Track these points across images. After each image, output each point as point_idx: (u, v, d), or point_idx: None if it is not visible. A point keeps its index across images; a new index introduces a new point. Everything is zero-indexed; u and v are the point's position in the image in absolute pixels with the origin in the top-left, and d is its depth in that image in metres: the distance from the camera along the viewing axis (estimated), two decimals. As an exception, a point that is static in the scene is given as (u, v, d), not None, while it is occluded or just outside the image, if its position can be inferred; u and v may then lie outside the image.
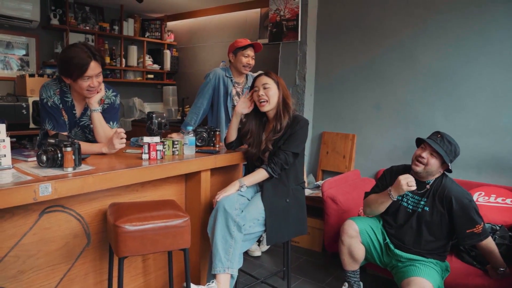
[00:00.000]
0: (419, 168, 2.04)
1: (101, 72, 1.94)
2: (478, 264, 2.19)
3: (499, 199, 2.48)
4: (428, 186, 2.07)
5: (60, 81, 2.00)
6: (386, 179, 2.24)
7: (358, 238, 2.15)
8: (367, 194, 2.29)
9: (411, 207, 2.11)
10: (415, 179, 2.11)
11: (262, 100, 2.10)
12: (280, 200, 2.08)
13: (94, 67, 1.88)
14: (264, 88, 2.10)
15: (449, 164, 2.00)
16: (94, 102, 1.97)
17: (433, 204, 2.03)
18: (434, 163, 2.01)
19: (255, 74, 2.35)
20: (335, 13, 3.50)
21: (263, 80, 2.13)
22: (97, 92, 1.98)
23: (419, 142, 2.12)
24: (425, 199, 2.06)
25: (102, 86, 2.01)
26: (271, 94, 2.10)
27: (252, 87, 2.20)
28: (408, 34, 3.10)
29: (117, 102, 2.15)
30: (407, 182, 1.97)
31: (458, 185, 2.06)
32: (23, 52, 4.03)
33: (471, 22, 2.82)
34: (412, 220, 2.08)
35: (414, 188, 1.98)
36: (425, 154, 2.03)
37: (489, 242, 2.01)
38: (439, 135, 2.05)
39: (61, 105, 1.98)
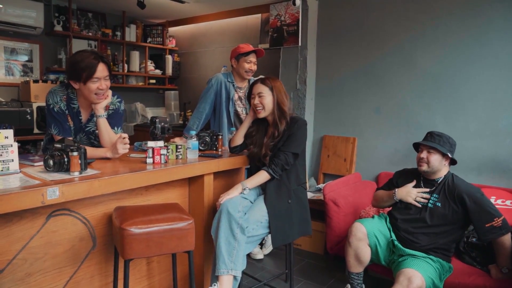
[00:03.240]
0: (424, 167, 2.16)
1: (108, 76, 1.99)
2: (479, 265, 2.21)
3: (499, 201, 2.50)
4: (436, 184, 2.16)
5: (67, 88, 2.04)
6: (394, 179, 2.36)
7: (366, 240, 2.18)
8: (377, 189, 2.45)
9: (421, 203, 2.17)
10: (425, 178, 2.20)
11: (258, 108, 2.18)
12: (282, 202, 2.11)
13: (102, 69, 1.94)
14: (259, 97, 2.18)
15: (448, 154, 2.11)
16: (100, 108, 2.01)
17: (444, 200, 2.10)
18: (435, 159, 2.13)
19: (256, 78, 2.39)
20: (335, 18, 3.54)
21: (258, 88, 2.20)
22: (104, 98, 2.02)
23: (416, 146, 2.24)
24: (436, 195, 2.13)
25: (109, 92, 2.06)
26: (265, 102, 2.17)
27: (249, 93, 2.26)
28: (407, 38, 3.14)
29: (121, 108, 2.19)
30: (416, 196, 2.16)
31: (467, 182, 2.14)
32: (26, 58, 4.08)
33: (469, 26, 2.86)
34: (424, 215, 2.13)
35: (418, 205, 2.16)
36: (423, 155, 2.15)
37: (508, 238, 2.02)
38: (428, 134, 2.20)
39: (67, 111, 2.02)
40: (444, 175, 2.16)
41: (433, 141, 2.13)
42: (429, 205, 2.13)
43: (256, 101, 2.18)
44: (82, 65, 1.89)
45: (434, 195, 2.14)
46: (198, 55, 5.07)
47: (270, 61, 3.91)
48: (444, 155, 2.12)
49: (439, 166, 2.14)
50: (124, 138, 1.89)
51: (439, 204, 2.10)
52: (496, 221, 1.98)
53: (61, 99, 2.00)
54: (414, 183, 2.21)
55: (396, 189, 2.24)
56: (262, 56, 2.88)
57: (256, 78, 2.94)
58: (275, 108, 2.17)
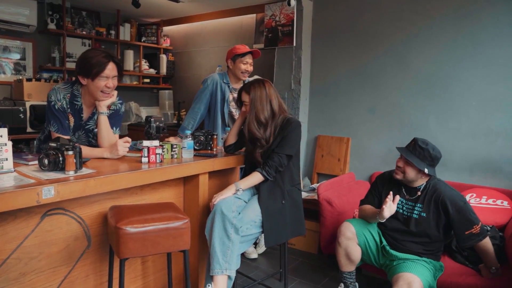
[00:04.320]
0: (399, 176, 2.13)
1: (117, 76, 2.03)
2: (470, 264, 2.25)
3: (490, 201, 2.54)
4: (419, 192, 2.13)
5: (72, 85, 2.06)
6: (378, 186, 2.31)
7: (355, 239, 2.20)
8: (362, 202, 2.35)
9: (406, 213, 2.15)
10: (406, 186, 2.17)
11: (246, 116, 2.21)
12: (276, 202, 2.12)
13: (112, 68, 1.98)
14: (244, 105, 2.21)
15: (425, 170, 2.03)
16: (104, 106, 2.03)
17: (429, 208, 2.08)
18: (410, 171, 2.08)
19: (251, 79, 2.40)
20: (329, 18, 3.56)
21: (242, 96, 2.21)
22: (110, 97, 2.05)
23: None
24: (420, 205, 2.10)
25: (115, 93, 2.08)
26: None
27: (238, 97, 2.28)
28: (401, 39, 3.17)
29: (122, 110, 2.22)
30: (389, 211, 2.01)
31: (452, 188, 2.11)
32: (19, 56, 4.04)
33: (461, 27, 2.89)
34: (410, 225, 2.11)
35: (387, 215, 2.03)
36: (401, 163, 2.11)
37: (487, 242, 2.06)
38: (412, 142, 2.11)
39: (68, 109, 2.03)
40: (426, 181, 2.12)
41: (414, 152, 2.05)
42: (414, 215, 2.11)
43: (243, 109, 2.23)
44: (93, 61, 1.93)
45: (418, 204, 2.11)
46: (192, 54, 5.06)
47: (265, 61, 3.92)
48: (420, 170, 2.05)
49: (414, 178, 2.09)
50: (126, 141, 1.94)
51: (424, 214, 2.08)
52: (475, 229, 2.00)
53: (64, 97, 2.02)
54: (390, 196, 2.05)
55: (379, 211, 2.05)
56: (258, 57, 2.90)
57: (247, 81, 2.95)
58: (253, 119, 2.14)
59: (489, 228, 2.33)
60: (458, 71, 2.92)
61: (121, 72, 2.06)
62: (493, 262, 2.09)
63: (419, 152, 2.05)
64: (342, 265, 2.27)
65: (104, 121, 2.04)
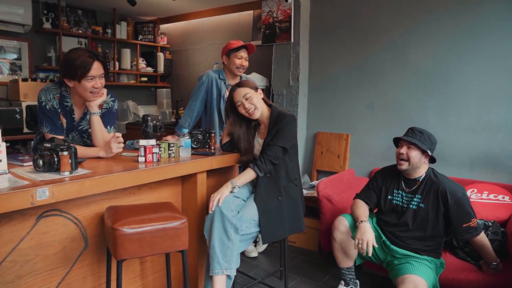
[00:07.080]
0: (404, 166, 2.11)
1: (103, 74, 1.97)
2: (472, 260, 2.23)
3: (491, 196, 2.51)
4: (418, 183, 2.12)
5: (60, 86, 2.01)
6: (377, 181, 2.29)
7: (349, 233, 2.18)
8: (357, 196, 2.32)
9: (405, 205, 2.14)
10: (405, 178, 2.15)
11: (251, 110, 2.12)
12: (271, 199, 2.09)
13: (97, 68, 1.91)
14: (246, 99, 2.12)
15: (428, 151, 2.05)
16: (95, 106, 1.99)
17: (428, 199, 2.07)
18: (414, 155, 2.08)
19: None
20: (327, 14, 3.53)
21: (241, 92, 2.13)
22: (99, 96, 2.00)
23: (396, 141, 2.20)
24: (418, 196, 2.09)
25: (104, 91, 2.04)
26: (255, 101, 2.12)
27: (230, 102, 2.19)
28: (399, 34, 3.14)
29: (114, 107, 2.17)
30: (360, 246, 1.98)
31: (451, 180, 2.11)
32: (15, 56, 4.01)
33: (461, 21, 2.86)
34: (408, 218, 2.10)
35: (364, 253, 1.98)
36: (403, 150, 2.10)
37: (483, 237, 2.06)
38: (409, 130, 2.15)
39: (59, 110, 1.99)
40: (425, 172, 2.12)
41: (414, 137, 2.09)
42: (413, 207, 2.10)
43: (247, 104, 2.11)
44: (77, 63, 1.86)
45: (417, 196, 2.10)
46: (190, 52, 5.03)
47: (263, 58, 3.89)
48: (423, 152, 2.07)
49: (418, 163, 2.09)
50: (118, 137, 1.88)
51: (423, 205, 2.07)
52: (472, 222, 1.99)
53: (54, 97, 1.98)
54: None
55: (362, 223, 2.04)
56: (253, 52, 2.86)
57: (243, 77, 2.92)
58: (264, 105, 2.16)
59: (490, 224, 2.31)
60: (457, 65, 2.90)
61: (107, 70, 2.00)
62: (491, 257, 2.07)
63: (419, 136, 2.09)
64: (340, 261, 2.25)
65: (96, 121, 2.00)
